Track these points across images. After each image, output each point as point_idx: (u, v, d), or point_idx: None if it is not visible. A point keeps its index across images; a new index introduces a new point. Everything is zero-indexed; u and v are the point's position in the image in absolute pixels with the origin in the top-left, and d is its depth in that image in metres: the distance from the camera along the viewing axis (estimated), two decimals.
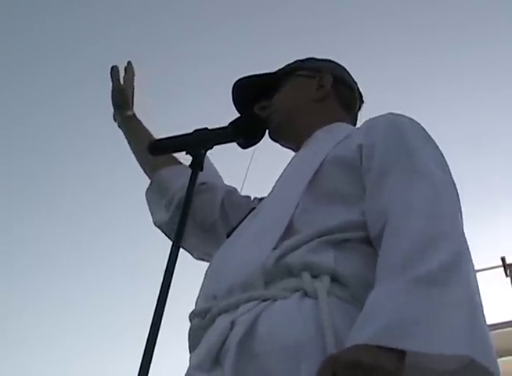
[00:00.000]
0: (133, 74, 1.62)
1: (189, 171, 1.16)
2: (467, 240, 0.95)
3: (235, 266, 1.04)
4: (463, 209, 1.01)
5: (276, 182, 1.24)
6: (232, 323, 0.96)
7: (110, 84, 1.56)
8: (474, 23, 7.43)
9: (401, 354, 0.79)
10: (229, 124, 1.22)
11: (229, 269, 1.05)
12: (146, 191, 1.51)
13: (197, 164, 1.14)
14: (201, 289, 1.12)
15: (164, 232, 1.42)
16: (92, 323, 7.64)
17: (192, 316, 1.07)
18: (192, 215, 1.37)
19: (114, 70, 1.59)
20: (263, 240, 1.03)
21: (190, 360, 1.04)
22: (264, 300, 0.96)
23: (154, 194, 1.48)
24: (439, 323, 0.80)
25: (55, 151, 7.40)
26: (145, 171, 1.54)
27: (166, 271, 0.98)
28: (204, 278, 1.14)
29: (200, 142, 1.18)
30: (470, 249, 0.94)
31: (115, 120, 1.59)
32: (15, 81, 6.97)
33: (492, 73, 7.47)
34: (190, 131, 1.22)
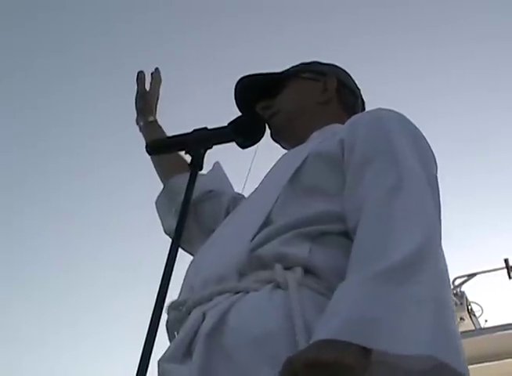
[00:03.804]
0: (159, 81, 1.64)
1: (201, 178, 1.16)
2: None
3: (212, 259, 1.06)
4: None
5: (262, 180, 1.25)
6: (204, 315, 0.96)
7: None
8: (477, 19, 7.43)
9: (365, 350, 0.77)
10: (229, 123, 1.23)
11: (207, 262, 1.07)
12: (157, 199, 1.52)
13: (196, 164, 1.14)
14: (182, 283, 1.13)
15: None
16: (87, 320, 7.65)
17: (169, 309, 1.07)
18: (198, 221, 1.40)
19: (140, 76, 1.60)
20: (241, 234, 1.05)
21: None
22: (236, 292, 0.97)
23: (164, 201, 1.49)
24: (401, 321, 0.78)
25: (51, 146, 7.41)
26: (160, 179, 1.55)
27: (165, 269, 0.98)
28: (186, 272, 1.15)
29: (199, 141, 1.18)
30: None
31: (137, 124, 1.60)
32: (14, 71, 6.98)
33: (496, 71, 7.46)
34: (189, 130, 1.22)
